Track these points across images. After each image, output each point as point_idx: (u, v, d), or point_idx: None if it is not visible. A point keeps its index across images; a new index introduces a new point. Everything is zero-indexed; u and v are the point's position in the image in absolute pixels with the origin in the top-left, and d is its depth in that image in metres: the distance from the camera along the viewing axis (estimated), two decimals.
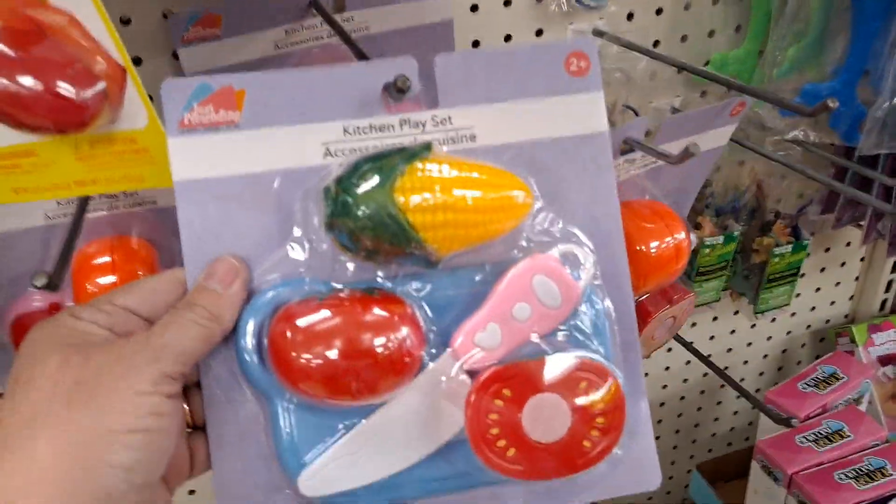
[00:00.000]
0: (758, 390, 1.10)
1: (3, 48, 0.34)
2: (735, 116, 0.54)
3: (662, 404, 1.03)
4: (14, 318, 0.53)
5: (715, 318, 0.98)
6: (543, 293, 0.35)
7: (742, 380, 1.07)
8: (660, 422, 1.05)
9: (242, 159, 0.35)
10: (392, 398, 0.35)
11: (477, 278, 0.37)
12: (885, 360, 0.96)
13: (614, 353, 0.37)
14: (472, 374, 0.35)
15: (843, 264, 1.01)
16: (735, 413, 1.12)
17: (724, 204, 0.77)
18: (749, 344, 1.03)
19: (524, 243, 0.37)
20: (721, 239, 0.74)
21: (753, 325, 1.02)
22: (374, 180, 0.34)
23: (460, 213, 0.34)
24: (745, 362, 1.05)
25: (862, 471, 0.72)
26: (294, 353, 0.33)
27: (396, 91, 0.35)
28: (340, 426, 0.36)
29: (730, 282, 0.86)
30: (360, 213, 0.33)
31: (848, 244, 0.99)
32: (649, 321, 0.57)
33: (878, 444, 0.76)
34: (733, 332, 1.01)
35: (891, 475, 0.72)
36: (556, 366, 0.35)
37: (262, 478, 0.36)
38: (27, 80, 0.35)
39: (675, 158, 0.42)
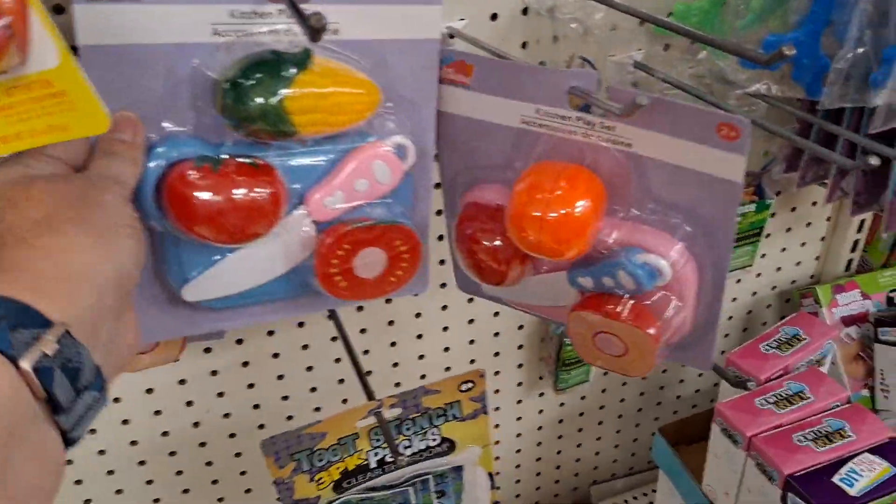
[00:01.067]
0: (723, 352, 1.09)
1: None
2: (731, 142, 0.45)
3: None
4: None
5: None
6: (379, 173, 0.50)
7: None
8: (624, 384, 1.04)
9: (140, 30, 0.42)
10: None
11: (332, 156, 0.50)
12: (849, 321, 0.95)
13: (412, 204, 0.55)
14: (317, 223, 0.50)
15: (808, 224, 1.00)
16: (700, 375, 1.12)
17: None
18: None
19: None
20: None
21: None
22: (264, 84, 0.44)
23: (328, 112, 0.47)
24: None
25: (821, 432, 0.71)
26: (187, 202, 0.44)
27: (313, 31, 0.33)
28: (217, 256, 0.48)
29: None
30: (251, 108, 0.44)
31: (814, 203, 0.98)
32: (571, 313, 0.53)
33: (838, 406, 0.75)
34: None
35: (849, 437, 0.71)
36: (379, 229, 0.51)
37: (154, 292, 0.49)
38: None
39: (623, 109, 0.39)
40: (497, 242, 0.52)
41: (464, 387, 0.56)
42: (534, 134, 0.51)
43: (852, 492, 0.67)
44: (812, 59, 0.61)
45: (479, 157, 0.54)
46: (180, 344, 0.60)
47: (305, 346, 0.79)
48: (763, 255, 1.00)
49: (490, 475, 0.67)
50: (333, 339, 0.80)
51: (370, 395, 0.53)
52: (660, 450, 0.89)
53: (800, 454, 0.70)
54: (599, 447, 1.11)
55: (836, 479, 0.68)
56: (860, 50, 0.56)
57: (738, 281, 1.01)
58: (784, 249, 1.01)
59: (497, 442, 1.00)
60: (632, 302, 0.50)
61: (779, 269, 1.03)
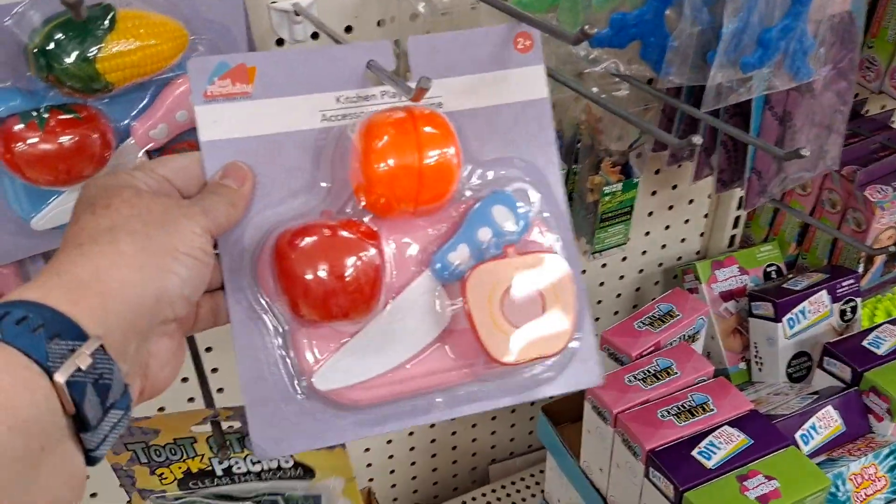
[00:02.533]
0: None
1: None
2: (526, 53, 0.46)
3: None
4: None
5: None
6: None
7: (597, 319, 1.07)
8: None
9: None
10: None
11: (140, 94, 0.51)
12: (727, 296, 0.97)
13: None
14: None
15: (691, 201, 1.01)
16: None
17: None
18: (601, 284, 1.03)
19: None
20: None
21: (604, 265, 1.02)
22: (74, 49, 0.45)
23: (139, 66, 0.47)
24: (599, 302, 1.05)
25: (684, 407, 0.73)
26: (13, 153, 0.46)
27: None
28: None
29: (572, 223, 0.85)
30: (63, 72, 0.45)
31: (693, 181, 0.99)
32: (467, 279, 0.43)
33: (703, 380, 0.76)
34: (584, 272, 1.00)
35: (711, 410, 0.72)
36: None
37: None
38: None
39: (411, 92, 0.38)
40: (350, 256, 0.40)
41: None
42: (338, 130, 0.43)
43: (709, 464, 0.68)
44: (658, 37, 0.61)
45: (266, 188, 0.42)
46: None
47: None
48: (648, 233, 1.01)
49: None
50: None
51: (209, 402, 0.51)
52: (543, 428, 0.90)
53: (662, 429, 0.71)
54: (495, 426, 1.11)
55: (695, 452, 0.69)
56: (697, 28, 0.56)
57: (624, 259, 1.02)
58: (668, 227, 1.02)
59: None
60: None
61: (664, 246, 1.04)
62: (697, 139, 0.47)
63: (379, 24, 0.67)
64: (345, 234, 0.41)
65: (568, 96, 0.76)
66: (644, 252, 1.03)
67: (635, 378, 0.76)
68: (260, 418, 0.41)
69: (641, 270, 1.06)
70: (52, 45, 0.45)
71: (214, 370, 0.80)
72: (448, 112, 0.44)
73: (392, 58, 0.44)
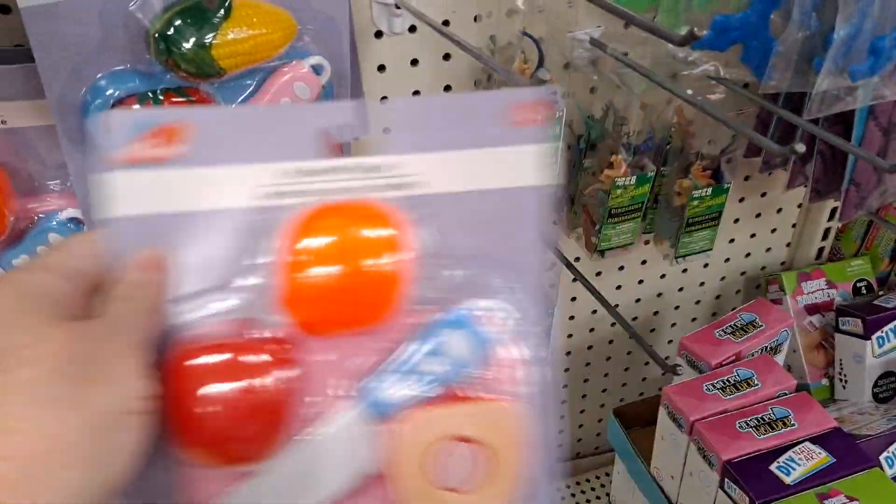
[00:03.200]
0: None
1: None
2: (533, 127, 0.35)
3: (590, 347, 1.02)
4: None
5: (644, 262, 0.96)
6: (300, 91, 0.50)
7: (673, 325, 1.06)
8: (588, 364, 1.04)
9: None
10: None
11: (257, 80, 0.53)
12: (813, 310, 0.94)
13: None
14: None
15: (779, 210, 0.99)
16: (667, 358, 1.11)
17: (641, 143, 0.73)
18: (681, 289, 1.02)
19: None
20: (633, 179, 0.71)
21: (685, 271, 1.00)
22: (192, 35, 0.48)
23: (250, 53, 0.50)
24: (677, 307, 1.04)
25: (764, 420, 0.71)
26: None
27: None
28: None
29: (655, 225, 0.84)
30: (181, 57, 0.48)
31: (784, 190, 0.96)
32: (394, 431, 0.34)
33: (785, 394, 0.74)
34: (664, 276, 0.99)
35: (792, 425, 0.70)
36: None
37: None
38: None
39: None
40: (271, 376, 0.33)
41: None
42: (284, 209, 0.34)
43: (788, 480, 0.67)
44: (761, 41, 0.59)
45: (182, 279, 0.34)
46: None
47: None
48: (732, 240, 0.99)
49: None
50: None
51: None
52: (613, 431, 0.89)
53: (740, 441, 0.70)
54: (562, 426, 1.10)
55: (773, 466, 0.68)
56: (804, 33, 0.54)
57: (706, 265, 1.00)
58: (754, 235, 1.00)
59: None
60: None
61: (748, 254, 1.02)
62: (800, 147, 0.46)
63: (476, 19, 0.67)
64: (249, 359, 0.33)
65: (660, 98, 0.75)
66: (727, 259, 1.01)
67: (714, 387, 0.75)
68: None
69: (723, 278, 1.04)
70: (171, 31, 0.48)
71: None
72: (424, 195, 0.35)
73: (360, 120, 0.34)
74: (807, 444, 0.70)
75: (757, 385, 0.75)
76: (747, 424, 0.71)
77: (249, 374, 0.32)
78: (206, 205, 0.34)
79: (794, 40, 0.54)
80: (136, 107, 0.50)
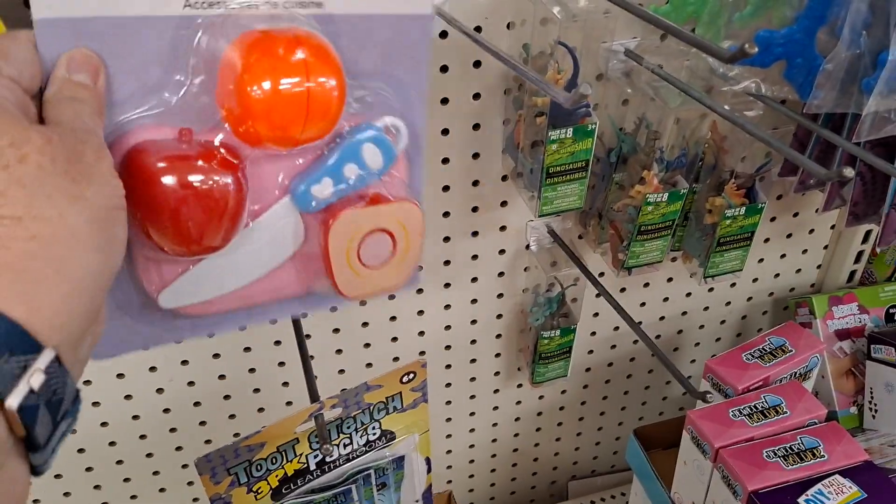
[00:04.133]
0: (714, 356, 1.06)
1: None
2: None
3: (611, 364, 1.00)
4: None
5: (670, 280, 0.93)
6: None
7: (697, 344, 1.03)
8: (608, 382, 1.02)
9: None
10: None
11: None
12: (843, 335, 0.91)
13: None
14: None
15: (811, 231, 0.96)
16: (690, 377, 1.09)
17: (674, 159, 0.71)
18: (706, 308, 0.99)
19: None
20: (665, 196, 0.69)
21: (711, 290, 0.97)
22: None
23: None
24: (702, 326, 1.01)
25: (792, 450, 0.68)
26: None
27: None
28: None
29: (683, 242, 0.82)
30: None
31: (818, 210, 0.94)
32: (332, 222, 0.43)
33: (814, 423, 0.72)
34: (689, 294, 0.96)
35: (822, 457, 0.68)
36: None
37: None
38: None
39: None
40: (214, 178, 0.38)
41: (405, 378, 0.54)
42: (203, 22, 0.37)
43: None
44: (806, 58, 0.57)
45: (116, 82, 0.37)
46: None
47: (247, 348, 0.78)
48: (761, 260, 0.96)
49: (427, 460, 0.64)
50: (276, 342, 0.78)
51: (314, 397, 0.51)
52: (633, 451, 0.87)
53: (767, 471, 0.67)
54: (579, 443, 1.08)
55: (801, 499, 0.65)
56: (853, 52, 0.52)
57: (733, 285, 0.98)
58: (784, 256, 0.97)
59: (472, 430, 0.99)
60: (381, 183, 0.45)
61: (777, 275, 0.99)
62: (850, 172, 0.44)
63: (509, 26, 0.66)
64: (202, 165, 0.38)
65: (694, 113, 0.73)
66: (755, 279, 0.98)
67: (741, 413, 0.73)
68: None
69: (750, 298, 1.01)
70: None
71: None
72: (328, 14, 0.40)
73: None
74: (837, 477, 0.67)
75: (786, 413, 0.72)
76: (775, 454, 0.69)
77: (204, 174, 0.38)
78: (138, 10, 0.35)
79: (843, 59, 0.52)
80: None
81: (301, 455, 0.55)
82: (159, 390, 0.77)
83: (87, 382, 0.73)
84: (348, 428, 0.55)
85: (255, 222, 0.42)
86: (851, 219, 0.72)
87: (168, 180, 0.37)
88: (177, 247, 0.39)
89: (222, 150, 0.39)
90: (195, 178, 0.38)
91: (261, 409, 0.83)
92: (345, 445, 0.56)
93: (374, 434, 0.56)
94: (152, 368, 0.75)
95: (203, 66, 0.38)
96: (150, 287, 0.41)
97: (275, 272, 0.44)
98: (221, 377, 0.79)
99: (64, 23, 0.34)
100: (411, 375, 0.54)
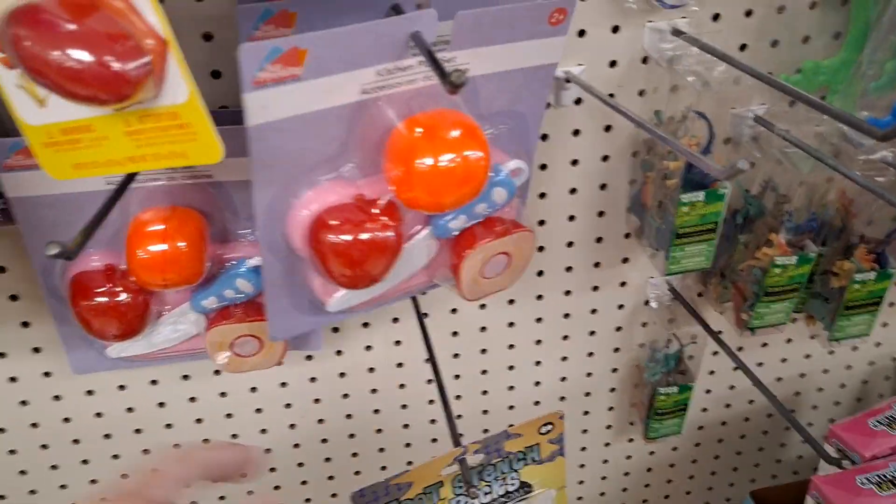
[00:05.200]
0: (832, 420, 1.04)
1: (60, 19, 0.36)
2: (556, 26, 0.49)
3: (724, 423, 0.99)
4: (72, 277, 0.56)
5: (789, 341, 0.93)
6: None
7: (815, 407, 1.01)
8: (720, 441, 1.01)
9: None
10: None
11: None
12: None
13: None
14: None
15: None
16: (804, 442, 1.06)
17: (803, 222, 0.72)
18: (825, 371, 0.97)
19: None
20: (794, 259, 0.69)
21: (832, 353, 0.96)
22: None
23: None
24: (820, 389, 0.99)
25: None
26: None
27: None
28: None
29: (806, 304, 0.81)
30: None
31: None
32: (467, 254, 0.54)
33: None
34: (808, 356, 0.95)
35: None
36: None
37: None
38: (79, 53, 0.36)
39: (447, 80, 0.37)
40: (382, 229, 0.48)
41: (543, 429, 0.56)
42: (373, 101, 0.45)
43: None
44: None
45: (305, 159, 0.46)
46: (283, 349, 0.64)
47: (402, 385, 0.82)
48: (885, 325, 0.94)
49: None
50: (428, 381, 0.83)
51: (457, 441, 0.54)
52: None
53: None
54: (689, 502, 1.07)
55: None
56: None
57: (855, 348, 0.96)
58: None
59: (581, 482, 0.99)
60: (502, 215, 0.55)
61: None
62: None
63: (641, 94, 0.69)
64: (374, 224, 0.48)
65: (820, 177, 0.73)
66: (878, 344, 0.96)
67: (868, 481, 0.71)
68: (279, 320, 0.54)
69: (872, 363, 0.98)
70: None
71: (431, 402, 0.85)
72: (471, 76, 0.49)
73: (435, 28, 0.44)
74: None
75: None
76: None
77: (373, 231, 0.48)
78: (325, 104, 0.44)
79: None
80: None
81: (445, 500, 0.57)
82: (288, 405, 0.82)
83: (224, 395, 0.79)
84: (489, 475, 0.57)
85: (403, 248, 0.52)
86: None
87: (346, 237, 0.48)
88: (357, 284, 0.50)
89: (385, 214, 0.49)
90: (367, 235, 0.48)
91: (409, 462, 0.88)
92: (485, 493, 0.59)
93: (514, 485, 0.59)
94: (288, 405, 0.80)
95: (371, 138, 0.47)
96: (323, 297, 0.54)
97: (408, 279, 0.57)
98: (378, 431, 0.85)
99: (268, 125, 0.43)
100: (549, 427, 0.56)
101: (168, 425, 0.77)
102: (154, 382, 0.74)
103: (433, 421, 0.86)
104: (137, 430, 0.77)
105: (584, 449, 0.96)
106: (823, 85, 0.68)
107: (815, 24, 0.68)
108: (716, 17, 0.66)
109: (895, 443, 0.75)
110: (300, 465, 0.86)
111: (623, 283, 0.82)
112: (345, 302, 0.55)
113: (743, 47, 0.68)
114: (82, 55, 0.35)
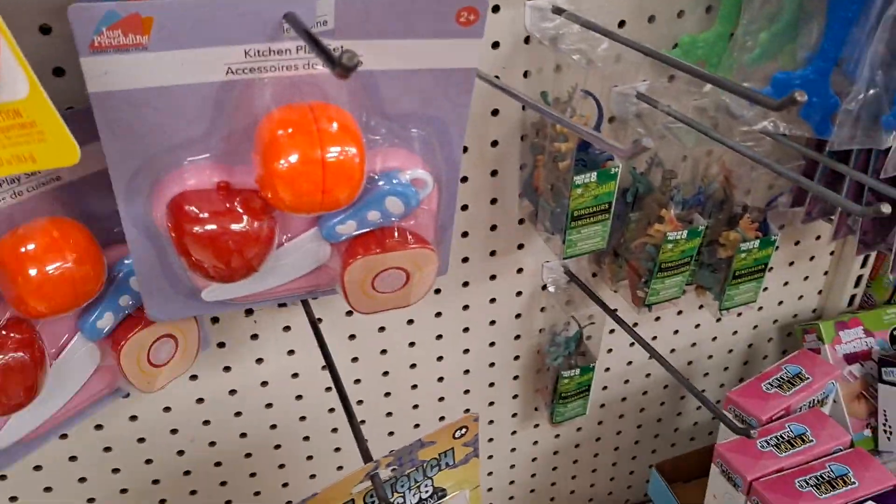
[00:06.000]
0: (722, 385, 1.07)
1: None
2: (467, 27, 0.44)
3: (624, 399, 1.00)
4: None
5: (680, 313, 0.95)
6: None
7: (706, 374, 1.04)
8: (621, 416, 1.02)
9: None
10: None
11: None
12: (852, 359, 0.93)
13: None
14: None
15: (812, 258, 0.98)
16: (698, 408, 1.09)
17: (690, 197, 0.73)
18: (714, 338, 1.00)
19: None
20: (685, 234, 0.70)
21: (719, 320, 0.99)
22: None
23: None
24: (710, 357, 1.03)
25: (823, 478, 0.69)
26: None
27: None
28: None
29: (695, 276, 0.83)
30: None
31: (818, 238, 0.96)
32: (351, 262, 0.50)
33: (841, 450, 0.73)
34: (698, 326, 0.97)
35: (853, 483, 0.69)
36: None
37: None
38: None
39: (335, 63, 0.31)
40: (245, 224, 0.45)
41: (458, 433, 0.54)
42: (243, 83, 0.42)
43: None
44: (821, 98, 0.59)
45: (165, 136, 0.43)
46: (197, 343, 0.61)
47: (299, 397, 0.77)
48: (765, 289, 0.98)
49: None
50: (327, 389, 0.78)
51: (366, 455, 0.51)
52: (656, 486, 0.87)
53: (802, 501, 0.68)
54: (595, 479, 1.08)
55: None
56: (871, 91, 0.54)
57: (739, 314, 0.99)
58: (787, 283, 0.99)
59: (490, 473, 0.98)
60: (403, 226, 0.51)
61: (780, 302, 1.01)
62: (886, 208, 0.46)
63: (525, 74, 0.67)
64: (228, 215, 0.45)
65: (701, 151, 0.74)
66: (760, 308, 1.00)
67: (768, 443, 0.73)
68: (156, 300, 0.51)
69: (756, 326, 1.02)
70: None
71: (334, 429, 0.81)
72: (367, 70, 0.44)
73: (314, 11, 0.40)
74: (870, 502, 0.68)
75: (812, 441, 0.73)
76: (807, 483, 0.69)
77: (236, 222, 0.45)
78: (184, 80, 0.40)
79: (861, 99, 0.54)
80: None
81: None
82: (173, 431, 0.75)
83: (99, 427, 0.71)
84: (402, 486, 0.54)
85: (283, 248, 0.50)
86: (862, 246, 0.74)
87: (208, 228, 0.45)
88: (219, 278, 0.47)
89: (247, 206, 0.45)
90: (229, 225, 0.45)
91: (312, 476, 0.83)
92: None
93: (427, 492, 0.56)
94: (174, 431, 0.74)
95: (242, 122, 0.44)
96: (197, 284, 0.51)
97: (298, 278, 0.53)
98: (277, 447, 0.79)
99: (114, 95, 0.39)
100: (464, 430, 0.54)
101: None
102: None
103: (335, 430, 0.82)
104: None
105: (491, 440, 0.94)
106: (701, 59, 0.69)
107: None
108: None
109: (788, 404, 0.78)
110: (193, 493, 0.79)
111: (520, 270, 0.81)
112: (220, 294, 0.52)
113: (621, 24, 0.68)
114: None
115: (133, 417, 0.71)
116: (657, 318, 0.93)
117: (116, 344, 0.54)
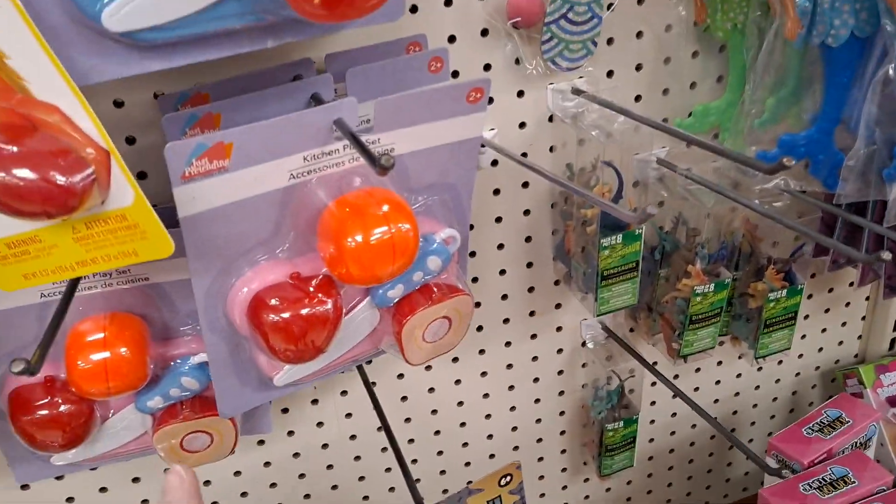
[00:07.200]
0: (770, 434, 1.09)
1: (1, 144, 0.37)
2: (475, 104, 0.52)
3: (672, 451, 1.03)
4: (11, 392, 0.56)
5: (720, 363, 0.97)
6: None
7: (752, 423, 1.06)
8: (670, 469, 1.04)
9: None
10: None
11: None
12: (894, 401, 0.94)
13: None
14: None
15: (847, 304, 1.00)
16: (748, 458, 1.10)
17: (715, 251, 0.77)
18: (757, 387, 1.03)
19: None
20: (711, 287, 0.74)
21: (760, 369, 1.01)
22: None
23: None
24: (755, 405, 1.04)
25: None
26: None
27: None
28: None
29: (730, 327, 0.86)
30: None
31: (851, 284, 0.99)
32: (406, 321, 0.56)
33: (883, 490, 0.75)
34: (739, 375, 1.00)
35: None
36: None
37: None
38: (23, 172, 0.37)
39: (376, 164, 0.39)
40: (330, 305, 0.51)
41: (503, 481, 0.58)
42: (302, 184, 0.48)
43: None
44: (827, 155, 0.64)
45: (239, 243, 0.49)
46: (234, 439, 0.64)
47: (357, 457, 0.82)
48: (804, 336, 1.00)
49: None
50: (383, 449, 0.83)
51: (418, 501, 0.55)
52: None
53: None
54: None
55: None
56: (871, 147, 0.59)
57: (780, 362, 1.02)
58: (825, 330, 1.01)
59: None
60: (439, 281, 0.57)
61: (820, 349, 1.03)
62: (887, 255, 0.50)
63: (551, 149, 0.73)
64: (311, 300, 0.50)
65: (725, 208, 0.79)
66: (801, 355, 1.02)
67: (811, 486, 0.75)
68: (226, 397, 0.56)
69: (798, 374, 1.04)
70: None
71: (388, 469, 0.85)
72: (397, 154, 0.52)
73: (356, 113, 0.47)
74: None
75: (854, 483, 0.75)
76: None
77: (310, 307, 0.50)
78: (256, 191, 0.46)
79: (862, 154, 0.59)
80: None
81: None
82: (244, 494, 0.81)
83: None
84: None
85: (344, 319, 0.54)
86: (888, 291, 0.77)
87: (284, 315, 0.50)
88: (293, 360, 0.52)
89: (321, 290, 0.51)
90: (304, 311, 0.51)
91: None
92: None
93: None
94: (244, 494, 0.79)
95: (303, 217, 0.50)
96: (269, 373, 0.56)
97: (354, 347, 0.59)
98: (334, 487, 0.84)
99: (198, 216, 0.45)
100: (508, 478, 0.58)
101: None
102: (104, 490, 0.73)
103: (392, 489, 0.86)
104: None
105: (542, 496, 0.97)
106: (714, 125, 0.75)
107: (699, 71, 0.74)
108: (610, 73, 0.72)
109: (830, 447, 0.80)
110: None
111: (559, 328, 0.85)
112: (292, 375, 0.57)
113: (638, 98, 0.74)
114: (27, 174, 0.36)
115: (207, 482, 0.77)
116: (697, 370, 0.97)
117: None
